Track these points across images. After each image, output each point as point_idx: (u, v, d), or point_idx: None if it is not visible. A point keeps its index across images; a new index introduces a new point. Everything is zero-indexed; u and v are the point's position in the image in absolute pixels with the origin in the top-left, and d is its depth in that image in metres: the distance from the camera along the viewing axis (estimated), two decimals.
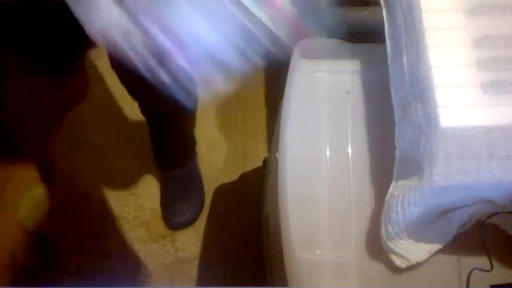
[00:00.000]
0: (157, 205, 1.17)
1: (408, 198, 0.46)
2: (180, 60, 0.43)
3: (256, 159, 1.19)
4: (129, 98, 0.91)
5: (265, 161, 0.90)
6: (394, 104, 0.50)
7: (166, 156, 1.14)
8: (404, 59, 0.48)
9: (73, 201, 1.15)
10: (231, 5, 0.41)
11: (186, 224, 1.15)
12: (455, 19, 0.47)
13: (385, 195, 0.49)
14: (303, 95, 0.60)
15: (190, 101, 0.74)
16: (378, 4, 0.52)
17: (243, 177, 1.19)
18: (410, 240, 0.49)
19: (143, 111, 0.98)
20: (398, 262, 0.50)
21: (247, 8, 0.43)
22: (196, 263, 1.11)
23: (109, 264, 1.10)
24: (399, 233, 0.49)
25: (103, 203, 1.17)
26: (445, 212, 0.48)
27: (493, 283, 0.49)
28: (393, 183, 0.49)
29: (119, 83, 0.86)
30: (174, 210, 1.15)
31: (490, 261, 0.48)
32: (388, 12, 0.52)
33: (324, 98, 0.60)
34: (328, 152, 0.56)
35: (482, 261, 0.49)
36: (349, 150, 0.57)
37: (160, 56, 0.44)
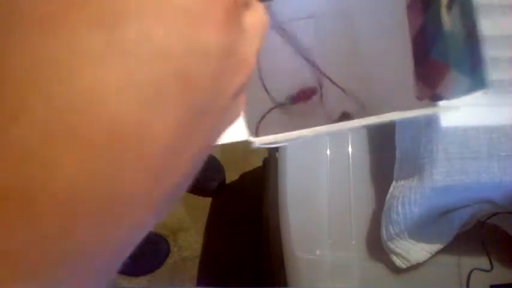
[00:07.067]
0: None
1: (409, 198, 0.46)
2: None
3: (256, 159, 1.19)
4: None
5: (265, 161, 0.90)
6: None
7: None
8: None
9: None
10: None
11: None
12: None
13: (385, 195, 0.49)
14: None
15: None
16: None
17: (243, 177, 1.19)
18: (411, 241, 0.49)
19: None
20: (398, 262, 0.50)
21: None
22: (197, 262, 1.11)
23: None
24: (400, 233, 0.49)
25: None
26: (445, 212, 0.48)
27: (493, 283, 0.49)
28: (393, 183, 0.49)
29: None
30: None
31: (490, 261, 0.48)
32: None
33: None
34: (328, 152, 0.56)
35: (482, 261, 0.49)
36: (349, 150, 0.56)
37: None
